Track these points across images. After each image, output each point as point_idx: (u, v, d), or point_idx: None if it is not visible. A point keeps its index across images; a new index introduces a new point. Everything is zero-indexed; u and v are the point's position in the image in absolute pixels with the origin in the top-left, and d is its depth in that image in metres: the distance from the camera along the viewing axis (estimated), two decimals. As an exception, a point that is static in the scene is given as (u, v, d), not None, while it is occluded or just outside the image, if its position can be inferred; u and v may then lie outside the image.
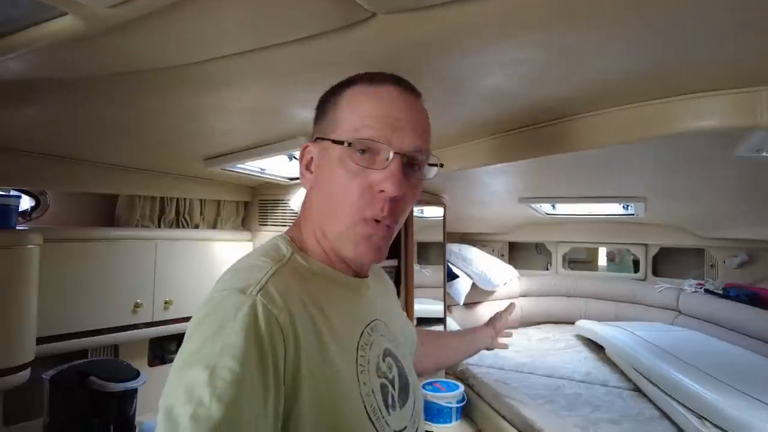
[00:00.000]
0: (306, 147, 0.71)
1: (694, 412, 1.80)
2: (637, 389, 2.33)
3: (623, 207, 3.03)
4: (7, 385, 1.28)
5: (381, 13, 0.69)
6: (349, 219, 0.64)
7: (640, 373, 2.30)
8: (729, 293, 2.97)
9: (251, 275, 0.59)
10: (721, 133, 1.25)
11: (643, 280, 3.61)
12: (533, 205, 3.04)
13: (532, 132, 1.26)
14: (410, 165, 0.65)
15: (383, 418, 0.63)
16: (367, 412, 0.61)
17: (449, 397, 2.32)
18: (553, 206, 3.25)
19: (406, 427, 0.68)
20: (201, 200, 2.13)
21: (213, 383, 0.47)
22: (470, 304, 3.46)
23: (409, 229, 2.41)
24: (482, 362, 2.75)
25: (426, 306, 2.66)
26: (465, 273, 3.32)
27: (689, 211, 2.86)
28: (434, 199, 2.67)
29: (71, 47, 0.76)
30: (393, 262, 2.39)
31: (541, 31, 0.73)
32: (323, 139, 0.67)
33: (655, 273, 3.61)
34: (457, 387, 2.40)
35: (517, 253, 4.18)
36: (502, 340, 1.27)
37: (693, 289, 3.23)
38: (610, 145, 1.13)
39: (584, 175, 2.32)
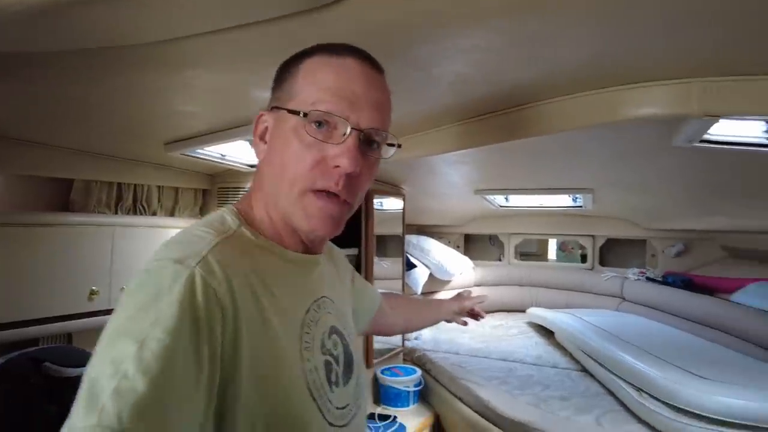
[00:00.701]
0: (261, 116, 0.69)
1: (633, 385, 1.94)
2: (584, 369, 2.47)
3: (572, 199, 3.18)
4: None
5: (348, -5, 0.72)
6: (299, 188, 0.62)
7: (587, 354, 2.44)
8: (667, 280, 3.19)
9: (191, 246, 0.56)
10: (660, 122, 1.37)
11: (591, 269, 3.80)
12: (488, 197, 3.15)
13: (491, 119, 1.33)
14: (368, 143, 0.64)
15: (326, 395, 0.62)
16: (309, 388, 0.60)
17: (407, 381, 2.39)
18: (506, 199, 3.37)
19: (348, 404, 0.68)
20: (159, 187, 2.09)
21: (141, 356, 0.45)
22: (427, 293, 3.54)
23: (369, 218, 2.46)
24: (438, 348, 2.84)
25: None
26: (422, 263, 3.39)
27: (633, 203, 3.04)
28: (394, 190, 2.72)
29: (29, 21, 0.75)
30: (353, 251, 2.42)
31: (502, 18, 0.79)
32: (279, 108, 0.65)
33: (602, 263, 3.81)
34: (415, 371, 2.48)
35: (472, 245, 4.31)
36: (462, 318, 1.33)
37: (636, 277, 3.43)
38: (561, 132, 1.21)
39: (536, 167, 2.43)
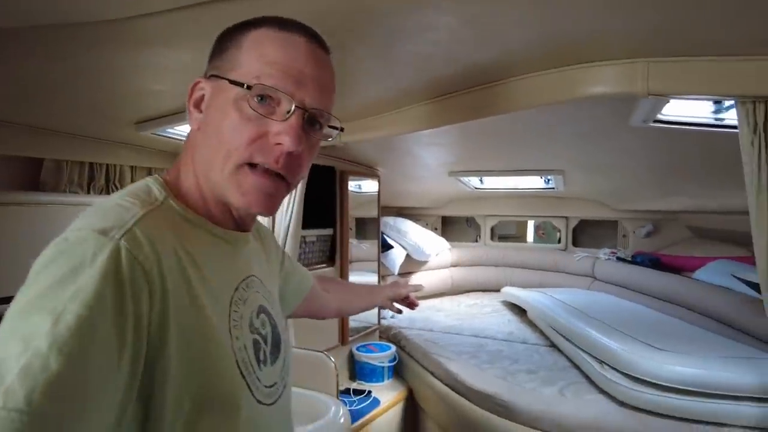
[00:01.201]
0: (197, 83, 0.65)
1: (596, 358, 2.03)
2: (553, 345, 2.55)
3: (545, 181, 3.26)
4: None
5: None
6: (235, 162, 0.59)
7: (556, 330, 2.53)
8: (636, 260, 3.29)
9: (116, 216, 0.52)
10: (617, 102, 1.42)
11: (564, 250, 3.90)
12: (462, 179, 3.21)
13: (453, 99, 1.37)
14: (311, 123, 0.62)
15: (254, 373, 0.62)
16: (238, 366, 0.59)
17: (382, 357, 2.46)
18: (481, 181, 3.44)
19: (276, 383, 0.67)
20: (132, 167, 2.10)
21: (56, 331, 0.42)
22: (404, 273, 3.60)
23: (344, 200, 2.50)
24: (413, 325, 2.91)
25: (362, 278, 2.77)
26: (399, 244, 3.45)
27: (603, 185, 3.12)
28: (369, 171, 2.76)
29: None
30: (328, 231, 2.46)
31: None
32: (219, 77, 0.61)
33: (576, 243, 3.91)
34: (389, 348, 2.55)
35: (449, 227, 4.38)
36: (397, 305, 1.32)
37: (606, 257, 3.53)
38: (528, 113, 1.26)
39: (508, 148, 2.48)
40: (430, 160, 2.79)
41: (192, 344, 0.53)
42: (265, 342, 0.67)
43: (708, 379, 1.64)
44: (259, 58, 0.60)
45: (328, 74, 0.65)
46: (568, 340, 2.37)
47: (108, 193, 2.02)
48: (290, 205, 1.95)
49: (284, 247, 1.96)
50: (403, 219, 3.72)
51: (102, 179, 1.99)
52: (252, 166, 0.60)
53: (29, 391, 0.39)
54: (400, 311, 1.33)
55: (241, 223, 0.68)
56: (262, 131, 0.59)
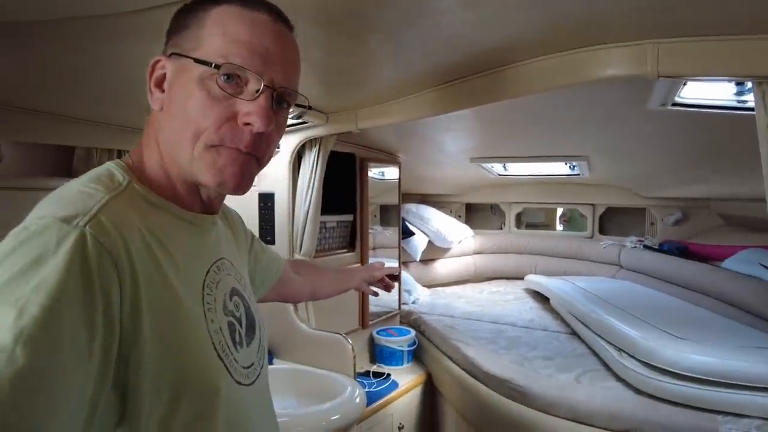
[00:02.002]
0: (158, 62, 0.62)
1: (615, 346, 2.01)
2: (573, 332, 2.54)
3: (569, 167, 3.21)
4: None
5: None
6: (204, 143, 0.58)
7: (576, 318, 2.51)
8: (663, 248, 3.22)
9: (79, 203, 0.51)
10: (634, 85, 1.40)
11: (590, 238, 3.83)
12: (484, 165, 3.19)
13: (463, 84, 1.37)
14: (278, 101, 0.61)
15: (231, 354, 0.62)
16: (216, 349, 0.59)
17: (401, 341, 2.49)
18: (505, 167, 3.40)
19: (253, 364, 0.67)
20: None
21: (20, 324, 0.40)
22: (427, 260, 3.62)
23: (364, 186, 2.52)
24: (433, 311, 2.93)
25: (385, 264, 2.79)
26: (421, 231, 3.46)
27: (629, 171, 3.05)
28: (389, 158, 2.77)
29: None
30: (348, 218, 2.50)
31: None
32: (181, 56, 0.59)
33: (602, 231, 3.83)
34: (409, 332, 2.58)
35: (473, 214, 4.36)
36: (373, 288, 1.32)
37: (633, 245, 3.46)
38: (545, 97, 1.25)
39: (528, 134, 2.46)
40: (450, 147, 2.78)
41: (166, 329, 0.52)
42: (240, 324, 0.67)
43: (727, 368, 1.61)
44: (224, 36, 0.58)
45: (294, 52, 0.64)
46: (587, 327, 2.35)
47: (136, 179, 2.10)
48: (309, 191, 2.00)
49: (303, 231, 2.00)
50: (426, 206, 3.72)
51: (130, 166, 2.07)
52: (224, 146, 0.59)
53: None
54: (376, 294, 1.34)
55: (209, 205, 0.67)
56: (231, 112, 0.58)
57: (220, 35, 0.58)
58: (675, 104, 1.44)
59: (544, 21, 1.01)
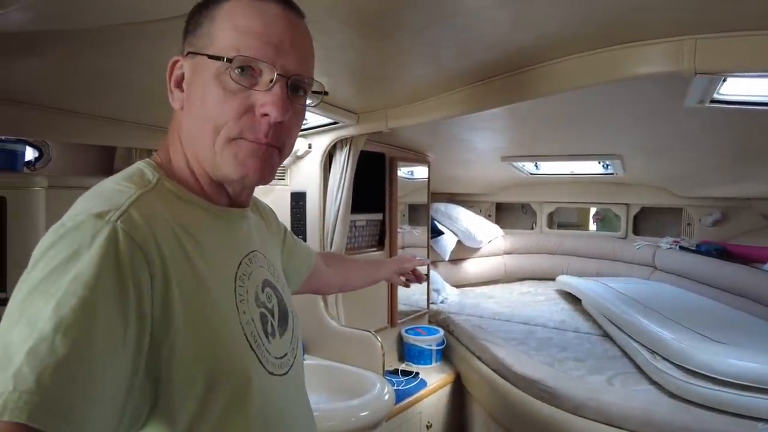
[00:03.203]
0: (176, 62, 0.64)
1: (648, 348, 1.97)
2: (605, 334, 2.49)
3: (603, 166, 3.14)
4: (20, 312, 1.42)
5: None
6: (225, 137, 0.59)
7: (608, 319, 2.46)
8: (701, 249, 3.12)
9: (111, 199, 0.53)
10: (671, 82, 1.37)
11: (624, 238, 3.75)
12: (516, 164, 3.16)
13: (495, 83, 1.37)
14: (294, 89, 0.61)
15: (264, 345, 0.62)
16: (247, 340, 0.60)
17: (430, 340, 2.50)
18: (537, 166, 3.36)
19: (286, 354, 0.68)
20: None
21: (59, 314, 0.42)
22: (456, 260, 3.61)
23: (393, 185, 2.54)
24: (462, 311, 2.93)
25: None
26: (450, 230, 3.45)
27: (665, 169, 2.97)
28: (419, 157, 2.78)
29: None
30: (378, 216, 2.51)
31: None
32: (197, 54, 0.60)
33: (636, 232, 3.75)
34: (438, 332, 2.58)
35: (504, 214, 4.31)
36: (403, 279, 1.28)
37: (668, 246, 3.37)
38: (577, 95, 1.24)
39: (562, 133, 2.42)
40: (481, 145, 2.77)
41: (197, 321, 0.54)
42: (272, 315, 0.68)
43: (767, 374, 1.56)
44: (235, 29, 0.59)
45: (306, 39, 0.64)
46: (620, 329, 2.31)
47: (173, 178, 2.17)
48: (340, 190, 2.02)
49: (334, 230, 2.03)
50: (455, 205, 3.71)
51: (167, 165, 2.14)
52: (244, 139, 0.60)
53: (39, 374, 0.39)
54: (407, 285, 1.30)
55: (237, 199, 0.68)
56: (248, 103, 0.59)
57: (231, 29, 0.59)
58: (714, 101, 1.40)
59: (579, 18, 1.00)
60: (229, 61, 0.57)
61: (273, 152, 0.62)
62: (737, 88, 1.37)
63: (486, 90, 1.42)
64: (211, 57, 0.58)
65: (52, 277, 0.45)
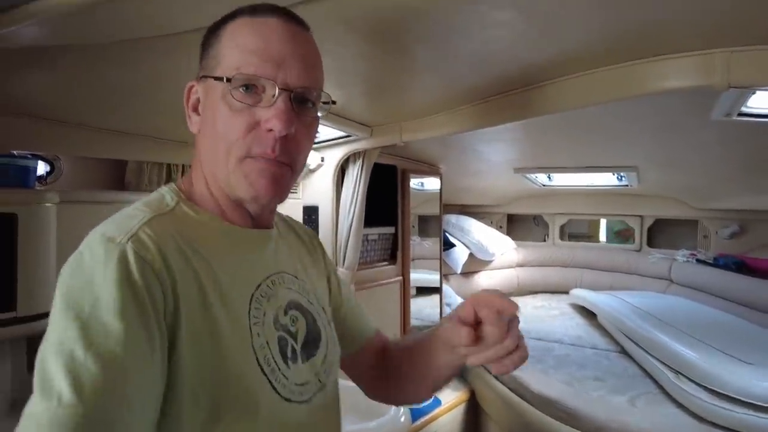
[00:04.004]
0: (192, 87, 0.65)
1: (671, 368, 1.91)
2: (624, 351, 2.43)
3: (617, 178, 3.10)
4: (31, 331, 1.38)
5: (366, -22, 0.76)
6: (236, 156, 0.59)
7: (627, 336, 2.40)
8: (718, 262, 3.06)
9: (123, 224, 0.55)
10: (694, 96, 1.33)
11: (638, 251, 3.69)
12: (528, 176, 3.12)
13: (512, 97, 1.33)
14: (301, 102, 0.61)
15: (279, 370, 0.61)
16: (259, 363, 0.58)
17: (443, 356, 2.44)
18: (549, 177, 3.32)
19: (309, 381, 0.65)
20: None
21: (86, 336, 0.45)
22: (468, 273, 3.56)
23: (405, 197, 2.50)
24: (476, 326, 2.87)
25: (424, 275, 2.77)
26: (462, 243, 3.41)
27: (681, 181, 2.92)
28: (431, 169, 2.75)
29: (87, 13, 0.83)
30: (390, 230, 2.48)
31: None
32: (206, 77, 0.62)
33: (651, 244, 3.69)
34: (451, 348, 2.52)
35: (515, 225, 4.27)
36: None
37: (685, 259, 3.31)
38: (582, 108, 1.20)
39: (576, 144, 2.38)
40: (493, 157, 2.73)
41: (202, 342, 0.54)
42: (295, 339, 0.65)
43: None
44: (237, 48, 0.59)
45: (309, 50, 0.63)
46: (640, 347, 2.25)
47: (184, 192, 2.15)
48: (353, 204, 1.99)
49: (346, 245, 2.00)
50: (466, 217, 3.67)
51: (179, 179, 2.12)
52: (252, 157, 0.59)
53: (79, 392, 0.43)
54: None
55: (258, 219, 0.67)
56: (253, 121, 0.59)
57: (233, 48, 0.60)
58: (741, 114, 1.36)
59: (604, 31, 0.97)
60: (229, 80, 0.58)
61: (284, 170, 0.61)
62: (764, 100, 1.32)
63: (504, 104, 1.39)
64: (216, 78, 0.60)
65: (75, 300, 0.48)
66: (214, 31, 0.63)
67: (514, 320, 0.63)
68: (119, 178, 2.03)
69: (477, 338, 0.62)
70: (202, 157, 0.64)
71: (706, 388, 1.69)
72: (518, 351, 0.63)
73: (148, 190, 2.02)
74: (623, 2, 0.84)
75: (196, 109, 0.65)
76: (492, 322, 0.61)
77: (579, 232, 4.40)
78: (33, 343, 1.62)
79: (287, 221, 0.84)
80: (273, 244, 0.70)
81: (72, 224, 1.71)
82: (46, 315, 1.37)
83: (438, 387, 0.80)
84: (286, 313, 0.66)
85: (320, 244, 0.87)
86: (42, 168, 1.83)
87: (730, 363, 1.75)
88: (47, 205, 1.42)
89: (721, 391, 1.64)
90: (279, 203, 0.66)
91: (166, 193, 0.64)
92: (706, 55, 0.98)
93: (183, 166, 2.13)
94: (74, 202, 1.71)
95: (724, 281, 2.88)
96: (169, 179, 2.08)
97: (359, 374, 0.89)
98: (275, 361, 0.61)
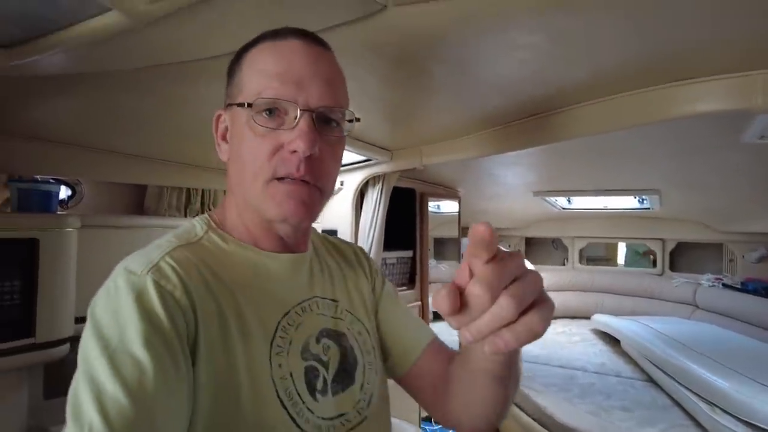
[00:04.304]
0: (220, 116, 0.66)
1: (705, 399, 1.83)
2: (650, 379, 2.35)
3: (638, 201, 3.04)
4: (49, 358, 1.37)
5: (392, 5, 0.74)
6: (263, 179, 0.58)
7: (654, 364, 2.32)
8: (747, 287, 2.97)
9: (149, 255, 0.55)
10: (723, 118, 1.29)
11: (660, 275, 3.60)
12: (548, 199, 3.07)
13: (536, 121, 1.31)
14: (325, 122, 0.60)
15: (303, 403, 0.58)
16: (279, 396, 0.56)
17: (463, 384, 2.38)
18: (569, 200, 3.27)
19: (345, 414, 0.61)
20: (225, 192, 2.22)
21: (114, 367, 0.46)
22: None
23: (424, 221, 2.48)
24: (497, 352, 2.80)
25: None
26: (480, 266, 3.36)
27: (705, 204, 2.86)
28: (449, 192, 2.72)
29: (111, 42, 0.83)
30: (408, 253, 2.45)
31: (539, 16, 0.78)
32: (232, 104, 0.62)
33: (673, 268, 3.60)
34: (472, 375, 2.46)
35: (534, 249, 4.21)
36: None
37: (710, 284, 3.22)
38: (610, 133, 1.17)
39: (596, 168, 2.35)
40: (512, 180, 2.70)
41: (219, 372, 0.53)
42: (326, 368, 0.62)
43: None
44: (258, 74, 0.60)
45: (330, 69, 0.62)
46: (669, 375, 2.17)
47: (202, 216, 2.15)
48: (372, 228, 1.97)
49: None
50: (484, 240, 3.62)
51: (197, 203, 2.12)
52: (279, 179, 0.59)
53: (108, 422, 0.44)
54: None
55: (291, 243, 0.65)
56: (278, 144, 0.58)
57: (255, 74, 0.60)
58: (774, 136, 1.32)
59: (634, 54, 0.94)
60: (250, 105, 0.58)
61: (312, 191, 0.60)
62: (800, 122, 1.29)
63: (528, 128, 1.36)
64: (239, 105, 0.60)
65: (103, 334, 0.49)
66: (237, 58, 0.64)
67: (513, 269, 0.38)
68: (139, 202, 2.04)
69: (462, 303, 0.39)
70: (232, 183, 0.64)
71: (743, 421, 1.62)
72: (524, 318, 0.37)
73: (167, 214, 2.02)
74: (660, 23, 0.82)
75: (224, 138, 0.65)
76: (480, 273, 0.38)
77: (596, 255, 4.32)
78: (51, 369, 1.60)
79: (329, 240, 0.80)
80: (307, 267, 0.68)
81: (92, 248, 1.72)
82: (64, 341, 1.35)
83: (485, 403, 0.62)
84: (318, 341, 0.63)
85: (367, 257, 0.81)
86: (64, 192, 1.85)
87: (765, 393, 1.67)
88: (68, 229, 1.42)
89: (759, 425, 1.56)
90: (309, 225, 0.65)
91: (197, 222, 0.64)
92: (743, 77, 0.95)
93: (203, 190, 2.13)
94: (95, 227, 1.71)
95: (753, 307, 2.79)
96: (188, 204, 2.09)
97: (418, 391, 0.75)
98: (299, 394, 0.58)
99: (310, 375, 0.60)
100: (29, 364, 1.38)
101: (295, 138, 0.57)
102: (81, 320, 1.52)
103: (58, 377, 1.62)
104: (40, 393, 1.56)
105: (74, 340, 1.47)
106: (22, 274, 1.34)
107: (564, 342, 3.12)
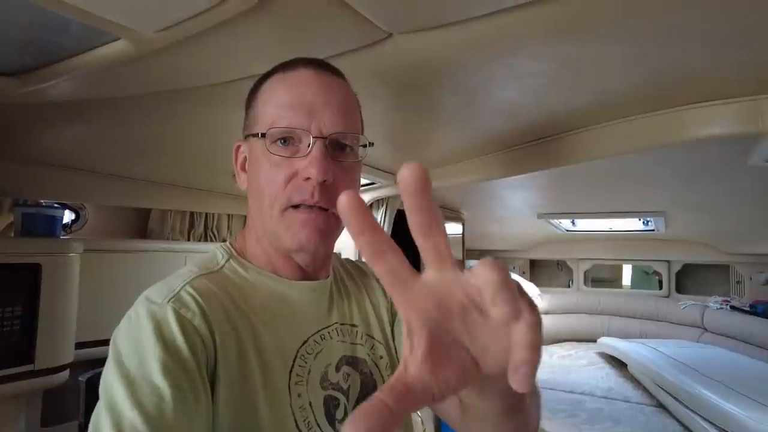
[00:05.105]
0: (239, 147, 0.68)
1: (716, 426, 1.78)
2: (660, 405, 2.30)
3: (643, 222, 3.03)
4: (48, 384, 1.35)
5: (397, 33, 0.75)
6: (279, 207, 0.59)
7: (663, 389, 2.28)
8: (756, 310, 2.93)
9: (170, 284, 0.56)
10: (730, 141, 1.29)
11: (667, 297, 3.56)
12: (552, 221, 3.06)
13: (542, 145, 1.31)
14: (339, 148, 0.61)
15: None
16: (297, 426, 0.56)
17: (469, 410, 2.33)
18: (573, 222, 3.26)
19: None
20: (229, 215, 2.22)
21: (132, 395, 0.47)
22: (491, 320, 3.46)
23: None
24: (502, 377, 2.76)
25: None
26: (485, 289, 3.33)
27: (712, 226, 2.84)
28: (452, 215, 2.72)
29: (120, 69, 0.84)
30: (413, 276, 2.43)
31: (547, 43, 0.79)
32: (249, 135, 0.64)
33: (679, 290, 3.56)
34: (477, 400, 2.42)
35: (538, 271, 4.18)
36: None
37: (718, 306, 3.18)
38: (618, 156, 1.17)
39: (601, 190, 2.34)
40: (517, 203, 2.70)
41: (236, 401, 0.53)
42: (347, 397, 0.61)
43: None
44: (272, 104, 0.61)
45: (342, 95, 0.63)
46: (678, 400, 2.12)
47: (206, 239, 2.15)
48: (375, 251, 1.96)
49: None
50: (488, 262, 3.60)
51: (201, 226, 2.12)
52: (295, 207, 0.59)
53: None
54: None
55: (310, 271, 0.66)
56: (292, 172, 0.59)
57: (269, 105, 0.62)
58: (782, 160, 1.31)
59: (641, 79, 0.94)
60: (264, 135, 0.60)
61: (328, 218, 0.60)
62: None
63: (534, 152, 1.36)
64: (254, 136, 0.62)
65: (123, 362, 0.50)
66: (253, 91, 0.66)
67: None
68: (142, 225, 2.04)
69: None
70: (252, 212, 0.65)
71: (758, 450, 1.58)
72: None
73: (170, 238, 2.02)
74: (666, 49, 0.82)
75: (243, 168, 0.67)
76: None
77: (601, 276, 4.29)
78: (49, 396, 1.58)
79: (345, 263, 0.80)
80: (327, 294, 0.68)
81: (95, 272, 1.71)
82: (64, 368, 1.33)
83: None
84: (338, 369, 0.63)
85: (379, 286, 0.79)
86: (67, 216, 1.84)
87: (781, 421, 1.63)
88: (71, 254, 1.41)
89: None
90: (327, 251, 0.66)
91: (218, 251, 0.66)
92: (751, 101, 0.95)
93: (206, 214, 2.13)
94: (98, 251, 1.70)
95: (763, 329, 2.74)
96: (192, 227, 2.08)
97: (445, 412, 0.69)
98: (317, 424, 0.58)
99: (330, 404, 0.60)
100: (27, 391, 1.36)
101: (308, 165, 0.58)
102: (81, 345, 1.51)
103: (56, 404, 1.60)
104: (37, 420, 1.54)
105: (74, 366, 1.45)
106: (24, 300, 1.33)
107: (570, 365, 3.07)
